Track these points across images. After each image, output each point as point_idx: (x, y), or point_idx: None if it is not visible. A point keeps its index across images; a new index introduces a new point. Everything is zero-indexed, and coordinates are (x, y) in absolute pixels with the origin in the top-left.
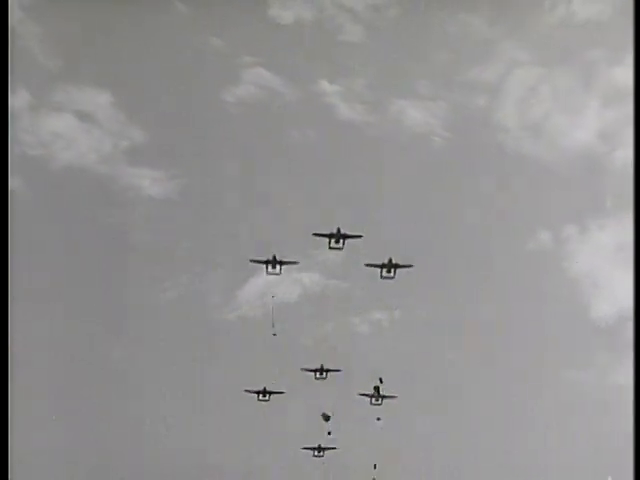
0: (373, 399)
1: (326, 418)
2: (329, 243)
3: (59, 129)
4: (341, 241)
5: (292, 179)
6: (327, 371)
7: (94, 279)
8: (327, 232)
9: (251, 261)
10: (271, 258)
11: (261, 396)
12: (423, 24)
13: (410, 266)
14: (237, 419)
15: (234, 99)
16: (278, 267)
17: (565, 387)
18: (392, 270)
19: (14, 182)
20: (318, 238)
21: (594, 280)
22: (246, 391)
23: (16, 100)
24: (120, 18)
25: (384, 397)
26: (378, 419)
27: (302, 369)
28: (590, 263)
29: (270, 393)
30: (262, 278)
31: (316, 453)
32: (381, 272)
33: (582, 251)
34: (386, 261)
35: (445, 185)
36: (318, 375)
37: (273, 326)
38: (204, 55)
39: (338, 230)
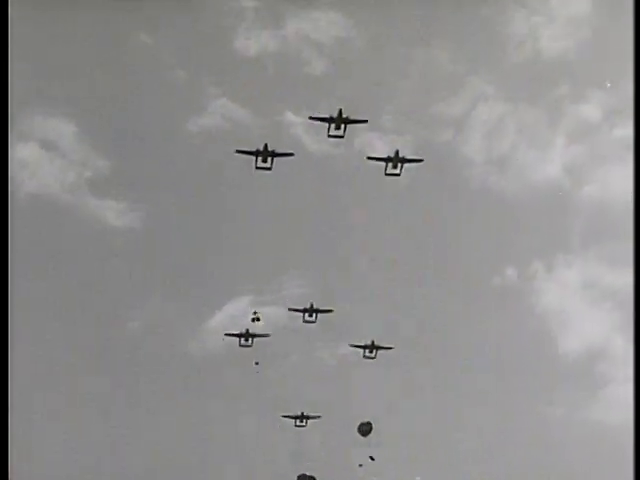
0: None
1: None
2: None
3: (24, 158)
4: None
5: (257, 211)
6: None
7: (56, 309)
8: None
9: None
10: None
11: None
12: (389, 58)
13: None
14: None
15: (199, 129)
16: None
17: (534, 422)
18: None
19: None
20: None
21: (561, 316)
22: None
23: None
24: (85, 48)
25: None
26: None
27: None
28: (557, 299)
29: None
30: (228, 310)
31: None
32: None
33: (549, 287)
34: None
35: (410, 219)
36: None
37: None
38: (169, 86)
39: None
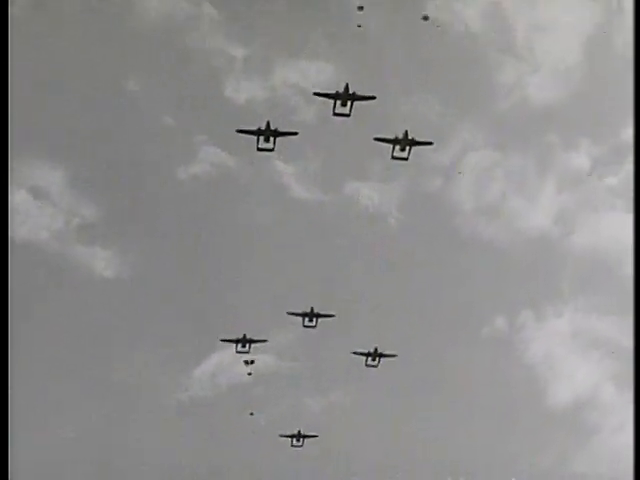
0: None
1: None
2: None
3: (12, 204)
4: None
5: (244, 259)
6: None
7: (40, 359)
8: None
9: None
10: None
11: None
12: (377, 105)
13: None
14: None
15: (188, 177)
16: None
17: (523, 473)
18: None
19: None
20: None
21: (551, 366)
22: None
23: None
24: (73, 94)
25: None
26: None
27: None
28: (546, 349)
29: None
30: (214, 359)
31: None
32: None
33: (538, 337)
34: None
35: (399, 268)
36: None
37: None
38: (158, 133)
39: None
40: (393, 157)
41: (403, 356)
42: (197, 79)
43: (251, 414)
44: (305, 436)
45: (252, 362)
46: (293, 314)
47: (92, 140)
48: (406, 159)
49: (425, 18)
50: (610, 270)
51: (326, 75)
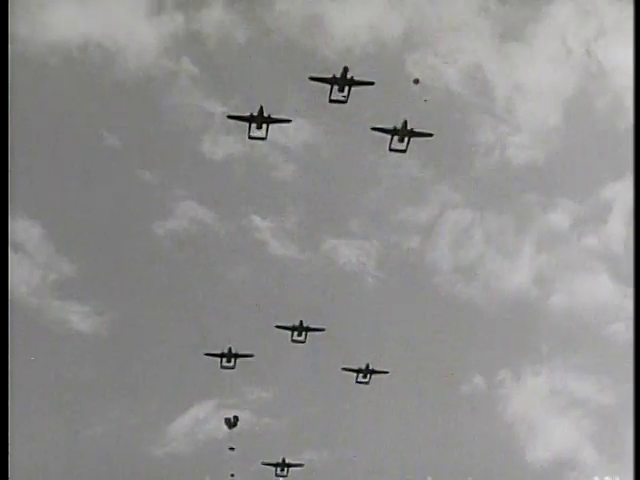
0: None
1: None
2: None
3: None
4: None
5: (222, 315)
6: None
7: (17, 414)
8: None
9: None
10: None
11: None
12: (356, 163)
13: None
14: None
15: (165, 232)
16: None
17: None
18: None
19: None
20: None
21: (529, 425)
22: None
23: None
24: (50, 149)
25: None
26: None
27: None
28: (525, 408)
29: None
30: (191, 414)
31: None
32: None
33: (516, 395)
34: None
35: (377, 327)
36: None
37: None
38: (136, 189)
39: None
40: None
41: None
42: (176, 135)
43: (232, 475)
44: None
45: (235, 422)
46: (281, 327)
47: (70, 195)
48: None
49: (416, 81)
50: (588, 330)
51: (305, 133)
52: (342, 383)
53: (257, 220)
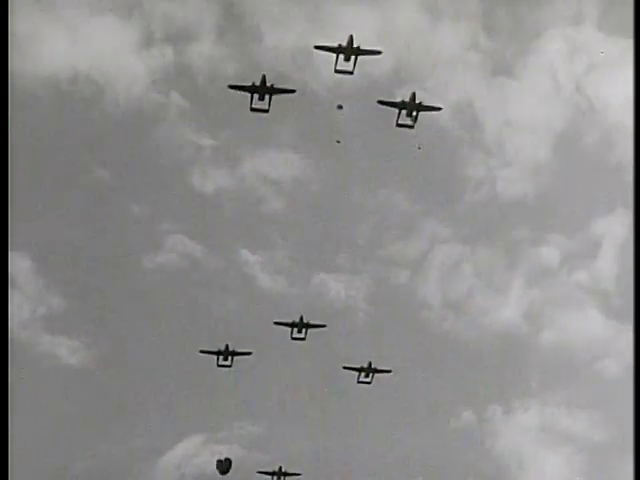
0: None
1: None
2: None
3: None
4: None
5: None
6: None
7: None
8: None
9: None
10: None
11: None
12: (345, 198)
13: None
14: None
15: (155, 266)
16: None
17: None
18: None
19: None
20: None
21: (519, 460)
22: None
23: None
24: (40, 182)
25: None
26: None
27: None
28: (514, 443)
29: None
30: (179, 449)
31: None
32: None
33: (506, 430)
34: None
35: (366, 360)
36: None
37: None
38: (125, 222)
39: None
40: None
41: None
42: (165, 168)
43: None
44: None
45: (228, 467)
46: (281, 324)
47: (59, 229)
48: None
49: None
50: (578, 365)
51: (294, 166)
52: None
53: (246, 254)
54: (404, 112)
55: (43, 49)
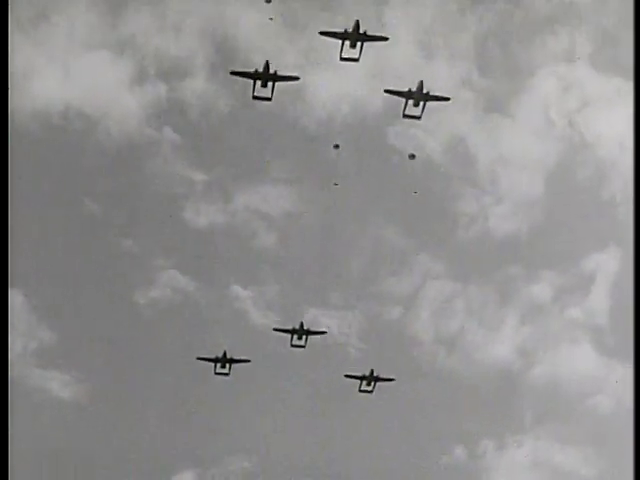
0: None
1: None
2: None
3: None
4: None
5: (202, 384)
6: None
7: None
8: None
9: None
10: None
11: None
12: (338, 233)
13: None
14: None
15: (147, 301)
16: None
17: None
18: None
19: None
20: None
21: None
22: None
23: None
24: (30, 219)
25: None
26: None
27: None
28: (507, 478)
29: None
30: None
31: None
32: None
33: (498, 466)
34: None
35: (356, 399)
36: None
37: None
38: (117, 256)
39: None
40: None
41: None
42: (158, 203)
43: None
44: None
45: None
46: (279, 330)
47: (51, 263)
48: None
49: (412, 156)
50: (571, 401)
51: (286, 201)
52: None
53: (238, 289)
54: (410, 103)
55: (36, 83)
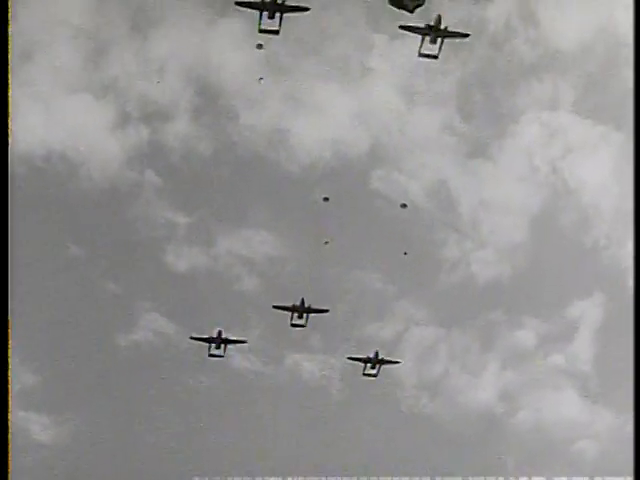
0: None
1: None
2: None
3: None
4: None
5: (183, 428)
6: None
7: None
8: None
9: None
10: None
11: None
12: (318, 277)
13: None
14: None
15: (128, 344)
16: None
17: None
18: None
19: None
20: None
21: None
22: None
23: None
24: (13, 258)
25: None
26: None
27: None
28: None
29: None
30: None
31: None
32: None
33: None
34: None
35: (340, 442)
36: None
37: None
38: (99, 299)
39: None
40: None
41: None
42: (139, 246)
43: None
44: None
45: None
46: (279, 307)
47: (32, 305)
48: None
49: (403, 206)
50: (555, 447)
51: (269, 245)
52: None
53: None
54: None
55: (17, 125)
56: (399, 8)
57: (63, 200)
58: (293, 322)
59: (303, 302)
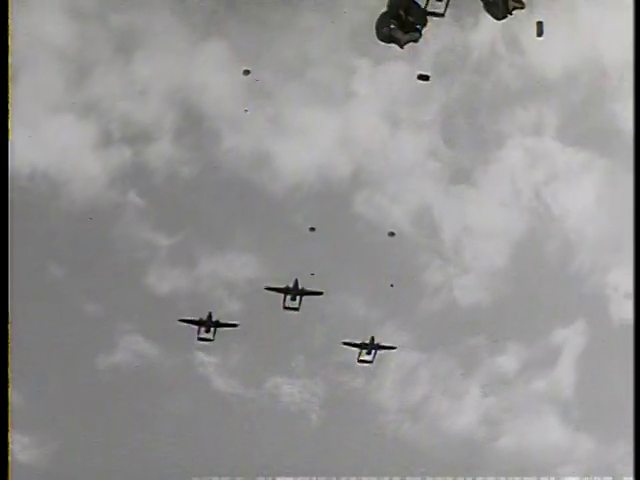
0: None
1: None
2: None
3: None
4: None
5: (164, 449)
6: None
7: None
8: None
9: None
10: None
11: None
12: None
13: None
14: None
15: (108, 366)
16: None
17: None
18: None
19: None
20: None
21: None
22: None
23: None
24: None
25: None
26: None
27: None
28: None
29: None
30: None
31: None
32: None
33: None
34: None
35: (321, 466)
36: None
37: None
38: (78, 321)
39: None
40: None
41: None
42: (120, 267)
43: None
44: None
45: None
46: (272, 289)
47: (12, 327)
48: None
49: (391, 234)
50: (537, 472)
51: (251, 268)
52: None
53: (201, 356)
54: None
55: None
56: (390, 42)
57: (45, 219)
58: (286, 305)
59: (297, 284)
